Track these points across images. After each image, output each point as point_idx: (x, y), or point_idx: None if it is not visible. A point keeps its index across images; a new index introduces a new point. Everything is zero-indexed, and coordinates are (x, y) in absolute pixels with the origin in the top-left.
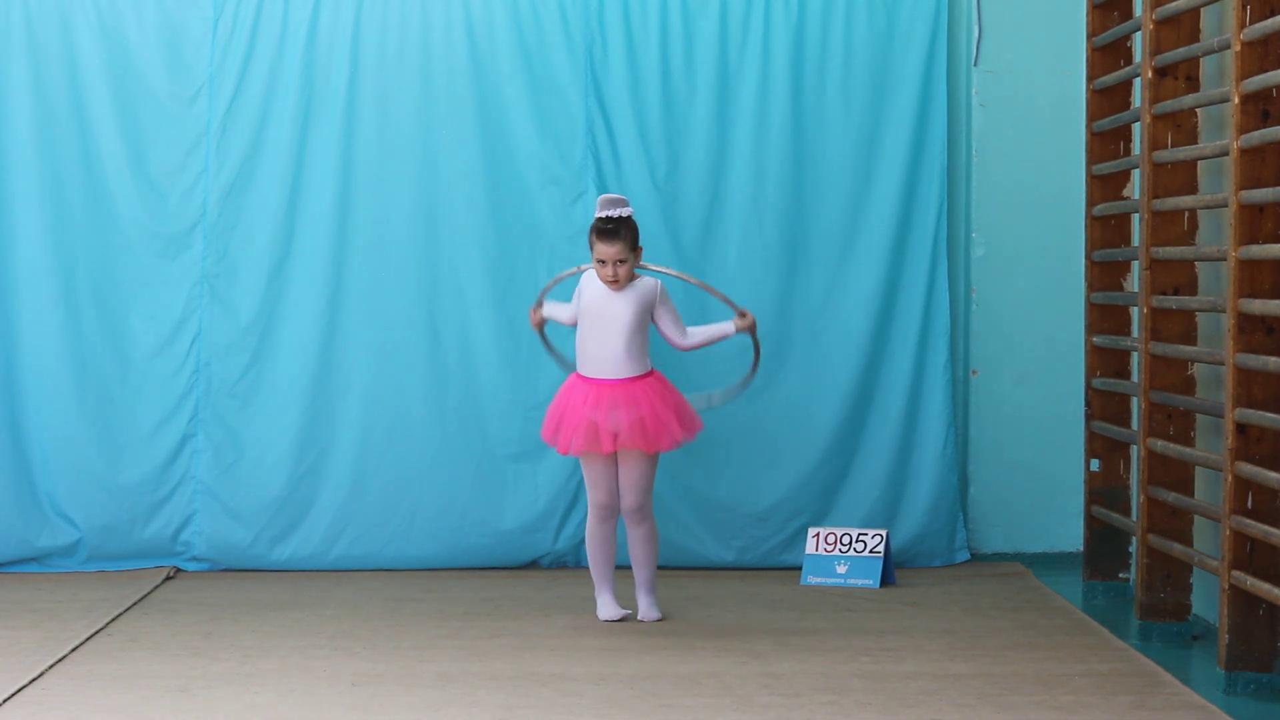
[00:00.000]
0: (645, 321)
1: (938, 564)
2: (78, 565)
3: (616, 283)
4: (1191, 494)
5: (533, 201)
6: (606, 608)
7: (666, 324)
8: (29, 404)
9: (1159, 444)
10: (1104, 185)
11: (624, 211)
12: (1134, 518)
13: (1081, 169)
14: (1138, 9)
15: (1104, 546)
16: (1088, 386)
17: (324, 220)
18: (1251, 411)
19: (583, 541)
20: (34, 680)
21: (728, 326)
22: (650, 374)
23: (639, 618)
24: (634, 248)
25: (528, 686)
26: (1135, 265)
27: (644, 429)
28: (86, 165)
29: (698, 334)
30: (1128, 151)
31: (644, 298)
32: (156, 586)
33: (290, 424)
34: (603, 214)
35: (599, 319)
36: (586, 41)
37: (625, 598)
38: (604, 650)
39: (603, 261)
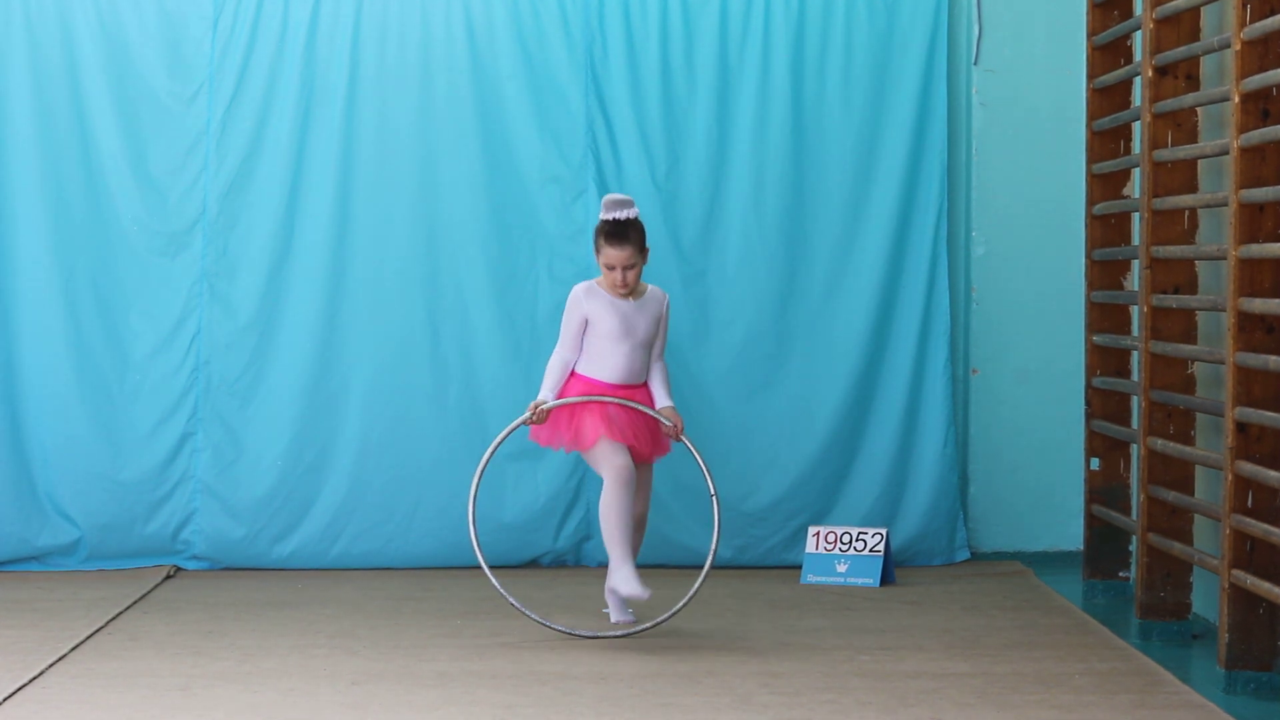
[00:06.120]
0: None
1: (938, 563)
2: (78, 564)
3: (625, 287)
4: (1192, 493)
5: (533, 201)
6: (631, 581)
7: (657, 342)
8: (29, 403)
9: (1159, 443)
10: (1104, 184)
11: (631, 213)
12: (1134, 517)
13: (1081, 168)
14: (1138, 8)
15: (1104, 545)
16: (1088, 385)
17: (324, 219)
18: (1251, 410)
19: (583, 541)
20: (34, 679)
21: (662, 405)
22: (645, 384)
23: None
24: (642, 249)
25: (527, 686)
26: (1135, 264)
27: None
28: (86, 165)
29: (659, 375)
30: (1128, 150)
31: (659, 310)
32: (156, 585)
33: (290, 422)
34: (609, 216)
35: (628, 332)
36: (586, 41)
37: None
38: (604, 650)
39: (611, 267)
